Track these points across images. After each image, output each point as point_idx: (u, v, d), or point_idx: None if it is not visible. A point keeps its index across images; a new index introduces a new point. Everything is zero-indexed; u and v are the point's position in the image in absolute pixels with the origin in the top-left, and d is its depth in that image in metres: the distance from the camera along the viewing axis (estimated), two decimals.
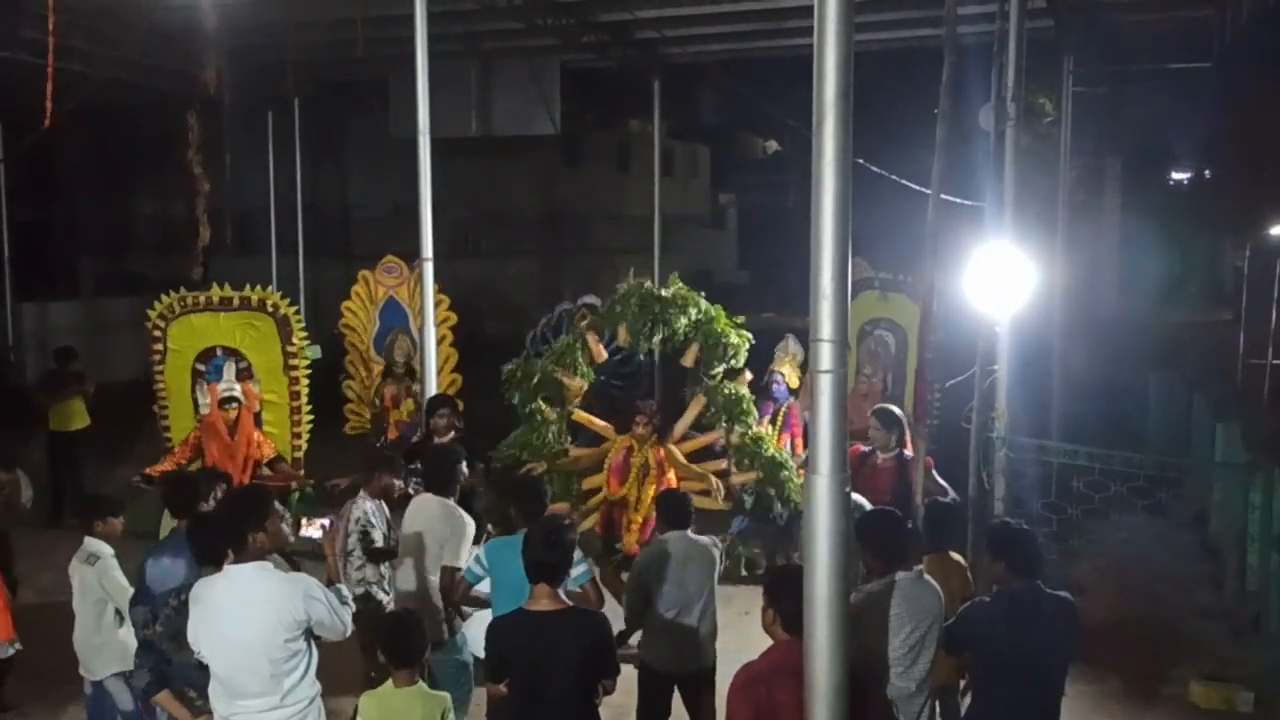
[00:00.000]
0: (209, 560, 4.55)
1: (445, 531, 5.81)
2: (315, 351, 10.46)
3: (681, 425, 8.08)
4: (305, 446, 9.04)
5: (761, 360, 8.72)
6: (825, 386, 3.49)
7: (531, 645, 4.31)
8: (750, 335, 8.16)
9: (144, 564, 5.18)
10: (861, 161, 8.82)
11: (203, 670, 4.37)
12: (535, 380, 8.04)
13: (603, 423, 8.16)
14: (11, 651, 6.27)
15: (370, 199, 22.67)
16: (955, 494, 6.83)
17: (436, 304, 8.94)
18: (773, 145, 35.16)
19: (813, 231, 3.47)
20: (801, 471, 7.64)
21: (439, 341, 9.27)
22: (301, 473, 8.81)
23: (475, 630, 5.65)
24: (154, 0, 11.26)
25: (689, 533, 5.72)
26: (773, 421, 8.85)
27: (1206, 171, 18.73)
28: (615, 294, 8.20)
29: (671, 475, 7.43)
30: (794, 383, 8.86)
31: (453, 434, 7.88)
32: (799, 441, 8.64)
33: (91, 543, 5.73)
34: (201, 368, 8.88)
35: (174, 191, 18.85)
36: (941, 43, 6.58)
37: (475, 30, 13.07)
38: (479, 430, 8.17)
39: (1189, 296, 19.27)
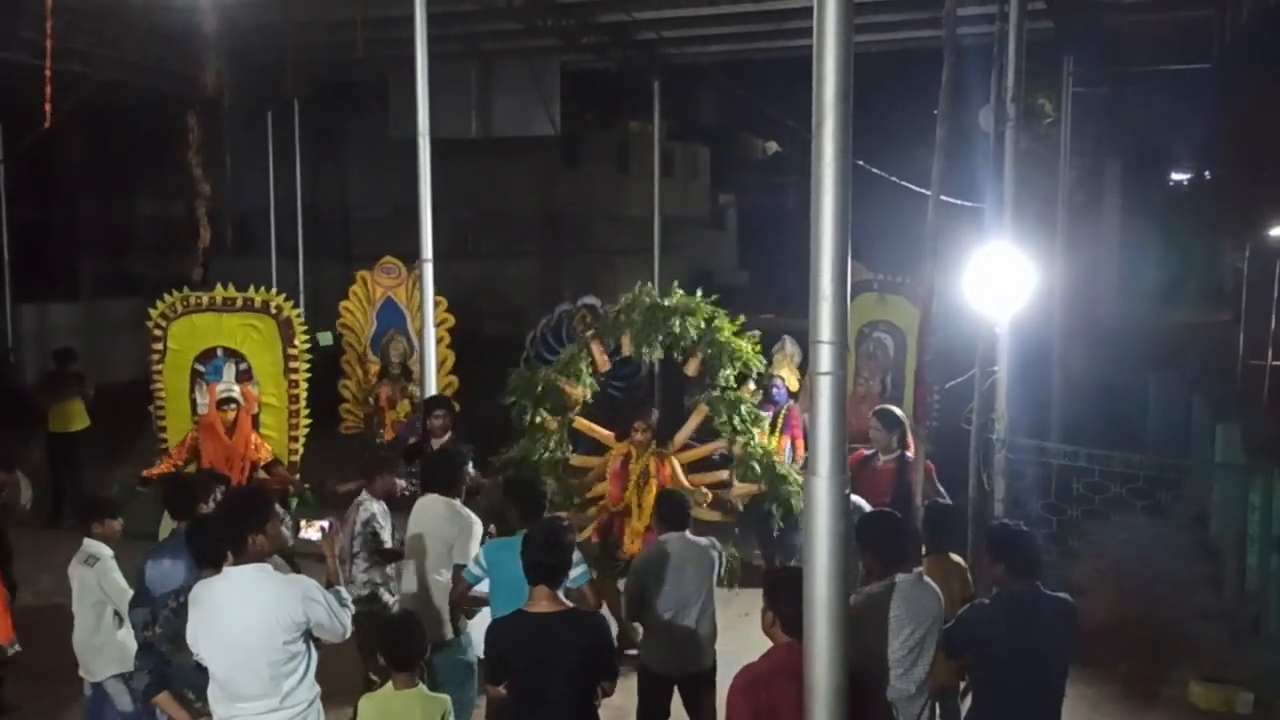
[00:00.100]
0: (208, 562, 4.55)
1: (452, 532, 5.81)
2: (327, 337, 10.48)
3: (683, 435, 8.06)
4: (302, 450, 9.02)
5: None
6: (825, 388, 3.49)
7: (531, 647, 4.31)
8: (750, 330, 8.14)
9: (143, 566, 5.19)
10: (861, 163, 8.83)
11: (202, 672, 4.37)
12: (539, 389, 8.04)
13: (604, 431, 8.15)
14: (10, 653, 6.26)
15: (370, 200, 22.66)
16: (951, 502, 6.82)
17: (435, 305, 8.93)
18: (772, 146, 35.11)
19: (812, 232, 3.47)
20: (801, 472, 7.67)
21: (436, 343, 9.26)
22: (297, 476, 8.79)
23: (480, 631, 5.65)
24: (154, 1, 11.25)
25: (687, 534, 5.72)
26: (772, 425, 8.84)
27: (1206, 172, 18.73)
28: (620, 303, 8.17)
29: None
30: (793, 385, 8.84)
31: (449, 435, 7.89)
32: (799, 444, 8.62)
33: (90, 544, 5.72)
34: (201, 368, 8.86)
35: (174, 192, 18.83)
36: (941, 44, 6.58)
37: (475, 31, 13.07)
38: (478, 431, 8.17)
39: (1189, 297, 19.28)
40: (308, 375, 9.09)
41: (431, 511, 5.93)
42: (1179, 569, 9.19)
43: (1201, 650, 7.65)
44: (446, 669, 5.76)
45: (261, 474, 8.24)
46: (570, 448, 8.18)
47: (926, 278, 6.63)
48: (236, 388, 8.43)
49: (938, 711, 4.80)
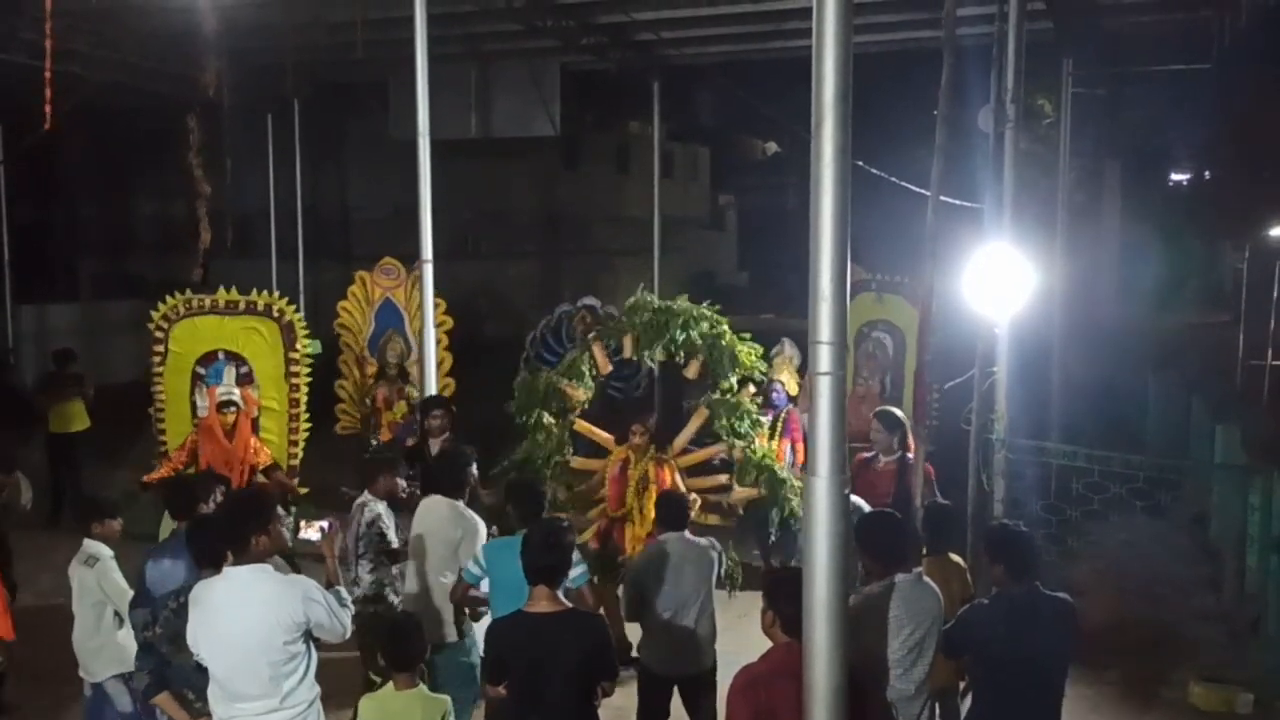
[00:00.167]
0: (208, 563, 4.56)
1: (456, 534, 5.80)
2: (316, 346, 10.45)
3: (682, 438, 8.05)
4: (301, 454, 9.01)
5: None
6: (824, 389, 3.49)
7: (531, 647, 4.31)
8: (750, 341, 8.12)
9: (144, 566, 5.19)
10: (861, 163, 8.84)
11: (202, 672, 4.37)
12: (541, 392, 8.05)
13: (604, 434, 8.14)
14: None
15: (370, 201, 22.66)
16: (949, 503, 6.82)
17: (436, 311, 8.93)
18: (772, 147, 35.13)
19: (811, 233, 3.47)
20: (801, 476, 7.65)
21: (435, 344, 9.25)
22: (296, 481, 8.79)
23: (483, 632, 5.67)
24: (154, 2, 11.26)
25: (686, 534, 5.72)
26: (771, 428, 8.83)
27: (1206, 173, 18.71)
28: (625, 308, 8.17)
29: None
30: (793, 389, 8.81)
31: (446, 435, 7.88)
32: (799, 447, 8.58)
33: (90, 544, 5.73)
34: (202, 371, 8.85)
35: (174, 193, 18.87)
36: (941, 44, 6.58)
37: (475, 32, 13.08)
38: (477, 433, 8.17)
39: (1188, 298, 19.27)
40: (308, 379, 9.09)
41: (435, 513, 5.93)
42: (1179, 570, 9.19)
43: (1201, 651, 7.65)
44: (450, 670, 5.76)
45: (260, 478, 8.23)
46: (570, 450, 8.18)
47: (926, 278, 6.64)
48: (236, 390, 8.42)
49: (937, 712, 4.81)
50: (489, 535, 5.98)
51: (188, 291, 9.09)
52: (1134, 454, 8.37)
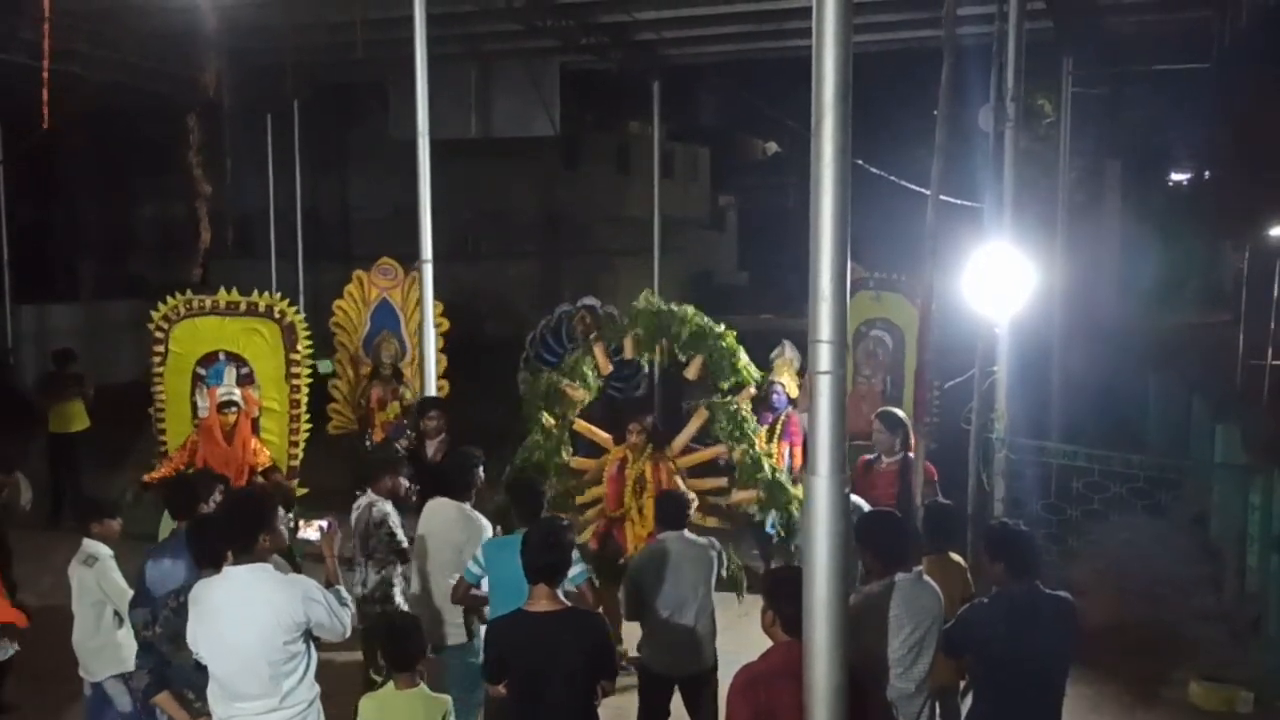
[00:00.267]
0: (209, 562, 4.56)
1: (462, 537, 5.79)
2: (327, 365, 10.46)
3: (682, 439, 8.04)
4: (301, 456, 9.01)
5: (759, 363, 8.69)
6: (824, 388, 3.49)
7: (531, 646, 4.31)
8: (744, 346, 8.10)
9: (144, 566, 5.18)
10: (860, 163, 8.84)
11: (202, 672, 4.37)
12: (543, 392, 8.05)
13: (604, 434, 8.14)
14: (10, 653, 6.27)
15: (370, 201, 22.67)
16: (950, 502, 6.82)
17: (429, 311, 8.93)
18: (772, 147, 35.15)
19: (811, 232, 3.47)
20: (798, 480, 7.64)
21: (422, 350, 9.23)
22: (295, 482, 8.78)
23: None
24: (154, 3, 11.26)
25: (685, 533, 5.72)
26: (770, 430, 8.82)
27: (1206, 173, 18.70)
28: (630, 311, 8.17)
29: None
30: (793, 391, 8.80)
31: (443, 436, 7.87)
32: (798, 450, 8.55)
33: (90, 544, 5.73)
34: (202, 371, 8.85)
35: (174, 194, 18.88)
36: (941, 44, 6.58)
37: (474, 32, 13.08)
38: (476, 435, 8.16)
39: (1188, 297, 19.27)
40: (309, 380, 9.09)
41: (441, 514, 5.92)
42: (1179, 569, 9.19)
43: (1202, 650, 7.65)
44: (459, 671, 5.76)
45: (260, 479, 8.23)
46: (570, 449, 8.18)
47: (926, 277, 6.64)
48: (237, 391, 8.41)
49: (938, 711, 4.80)
50: (495, 536, 5.97)
51: (188, 292, 9.08)
52: (1134, 453, 8.38)
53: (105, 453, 11.09)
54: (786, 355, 8.90)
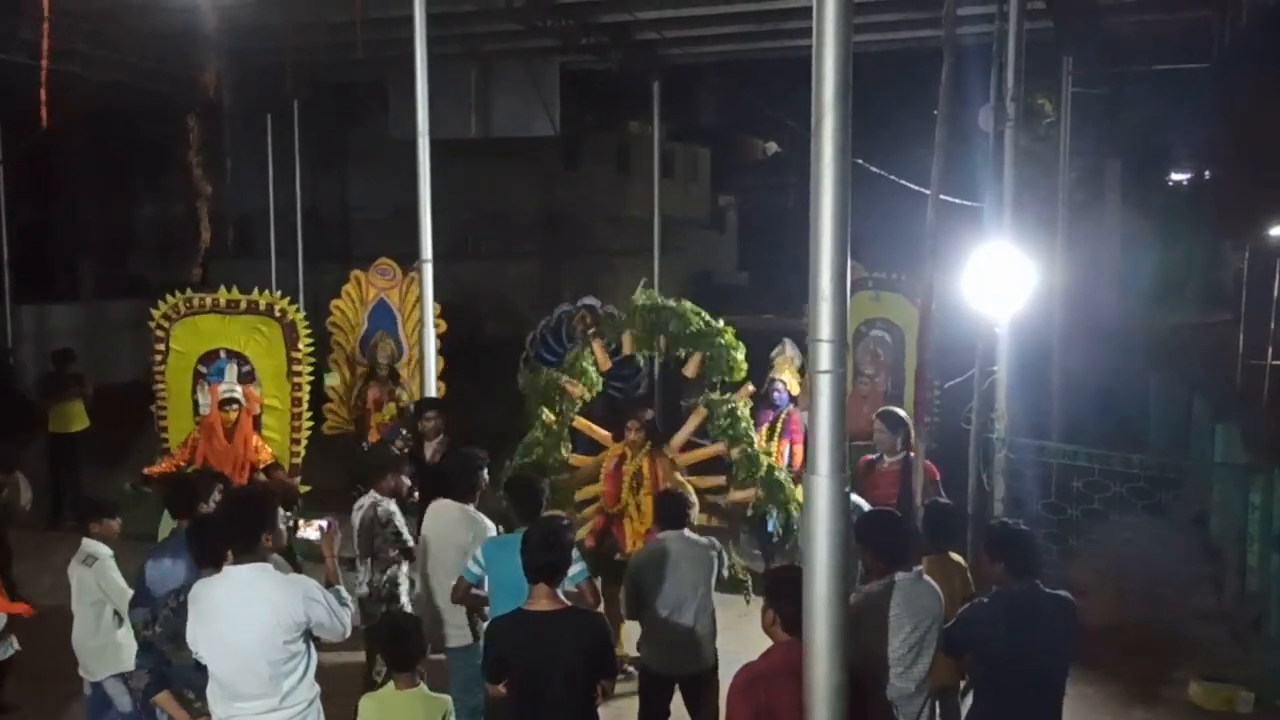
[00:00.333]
0: (209, 562, 4.56)
1: (466, 538, 5.79)
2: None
3: (680, 436, 8.03)
4: (303, 454, 9.02)
5: (761, 362, 8.70)
6: (824, 387, 3.49)
7: (531, 646, 4.31)
8: (744, 346, 8.09)
9: (144, 565, 5.18)
10: (860, 162, 8.84)
11: (202, 671, 4.37)
12: (543, 388, 8.05)
13: (603, 431, 8.14)
14: (11, 652, 6.27)
15: (370, 201, 22.67)
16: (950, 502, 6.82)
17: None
18: (772, 147, 35.16)
19: (811, 232, 3.48)
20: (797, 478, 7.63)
21: (421, 351, 9.22)
22: (298, 480, 8.79)
23: None
24: (154, 2, 11.27)
25: (685, 532, 5.72)
26: (771, 428, 8.82)
27: (1206, 173, 18.71)
28: (628, 305, 8.18)
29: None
30: (794, 389, 8.81)
31: (441, 437, 7.87)
32: (798, 449, 8.55)
33: (89, 544, 5.73)
34: (203, 370, 8.86)
35: (174, 194, 18.88)
36: (941, 44, 6.58)
37: (474, 32, 13.08)
38: (477, 434, 8.16)
39: (1189, 297, 19.27)
40: (310, 378, 9.09)
41: (445, 516, 5.92)
42: (1179, 569, 9.19)
43: (1202, 650, 7.65)
44: (462, 673, 5.75)
45: (261, 477, 8.23)
46: (570, 447, 8.18)
47: (926, 277, 6.63)
48: (239, 388, 8.42)
49: (938, 710, 4.80)
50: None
51: (188, 291, 9.08)
52: (1134, 453, 8.38)
53: (105, 453, 11.09)
54: (788, 353, 8.90)
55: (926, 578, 4.63)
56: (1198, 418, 11.03)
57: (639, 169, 22.05)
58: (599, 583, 6.02)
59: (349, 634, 4.51)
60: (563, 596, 4.43)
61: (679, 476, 7.41)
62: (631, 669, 6.27)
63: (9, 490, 7.43)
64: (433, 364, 8.89)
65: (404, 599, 6.53)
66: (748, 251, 34.58)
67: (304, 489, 8.80)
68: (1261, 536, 7.56)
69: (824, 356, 3.48)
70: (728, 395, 7.97)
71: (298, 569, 5.06)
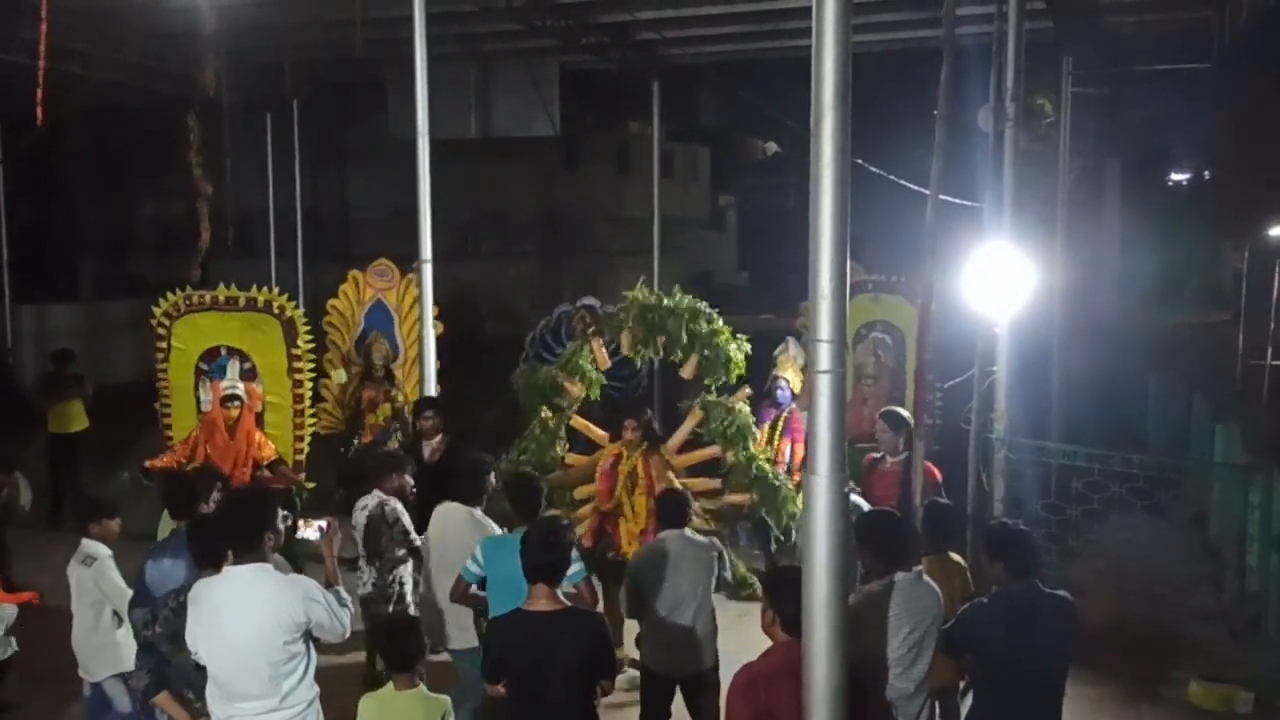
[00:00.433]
0: (209, 562, 4.55)
1: (473, 540, 5.78)
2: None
3: (677, 438, 8.02)
4: (307, 450, 9.03)
5: (761, 362, 8.70)
6: (824, 387, 3.49)
7: (530, 646, 4.30)
8: (748, 343, 8.09)
9: (143, 565, 5.18)
10: (860, 162, 8.84)
11: (201, 672, 4.36)
12: (541, 386, 8.04)
13: (600, 431, 8.13)
14: (11, 652, 6.27)
15: (369, 201, 22.69)
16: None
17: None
18: (772, 147, 35.18)
19: (811, 232, 3.48)
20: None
21: (419, 351, 9.21)
22: (302, 476, 8.79)
23: None
24: (153, 2, 11.26)
25: (686, 531, 5.71)
26: (773, 427, 8.82)
27: (1206, 172, 18.72)
28: (623, 300, 8.17)
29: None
30: (798, 387, 8.80)
31: (440, 436, 7.87)
32: (799, 448, 8.55)
33: (88, 544, 5.73)
34: (205, 367, 8.88)
35: (173, 193, 18.89)
36: (940, 43, 6.58)
37: (474, 32, 13.08)
38: (476, 434, 8.17)
39: (1188, 297, 19.28)
40: (311, 375, 9.10)
41: (452, 518, 5.91)
42: (1179, 569, 9.18)
43: (1201, 650, 7.65)
44: (468, 674, 5.74)
45: (265, 473, 8.25)
46: (567, 446, 8.17)
47: (925, 277, 6.63)
48: (240, 385, 8.44)
49: (937, 711, 4.80)
50: None
51: (188, 288, 9.09)
52: (1134, 453, 8.38)
53: (105, 453, 11.08)
54: (790, 352, 8.89)
55: (926, 578, 4.62)
56: (1197, 418, 11.02)
57: (639, 169, 22.05)
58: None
59: (348, 635, 4.51)
60: (562, 597, 4.43)
61: (671, 477, 7.40)
62: (633, 670, 6.27)
63: (9, 490, 7.43)
64: (432, 364, 8.88)
65: (409, 600, 6.54)
66: (747, 251, 34.63)
67: (309, 485, 8.80)
68: (1261, 536, 7.56)
69: (824, 356, 3.48)
70: (725, 398, 7.97)
71: (299, 569, 5.06)
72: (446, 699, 4.74)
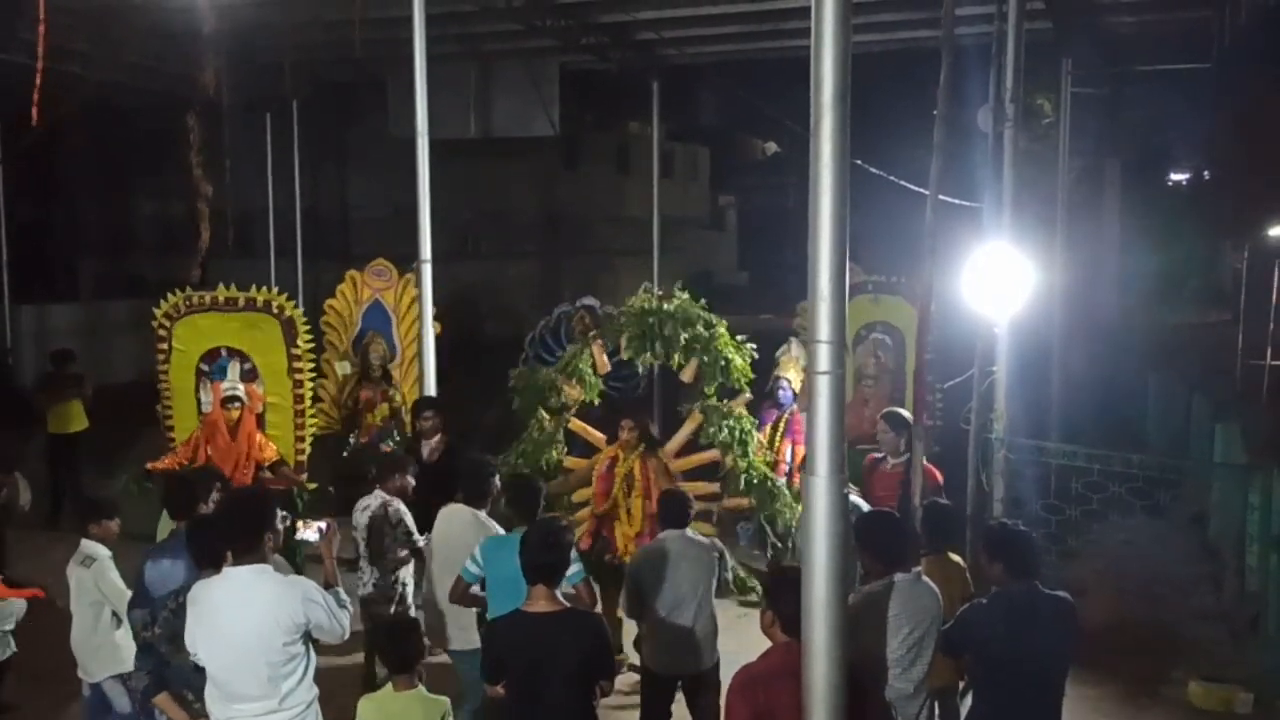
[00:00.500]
0: (208, 562, 4.55)
1: (477, 543, 5.79)
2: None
3: (675, 442, 8.01)
4: (309, 450, 9.03)
5: (762, 363, 8.69)
6: (823, 388, 3.49)
7: (529, 646, 4.30)
8: (753, 347, 8.06)
9: (143, 566, 5.18)
10: (860, 162, 8.83)
11: (201, 673, 4.36)
12: (540, 388, 8.03)
13: (598, 433, 8.11)
14: (10, 652, 6.27)
15: (369, 201, 22.68)
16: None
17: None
18: (772, 147, 35.19)
19: (810, 233, 3.47)
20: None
21: (417, 351, 9.21)
22: (304, 476, 8.79)
23: None
24: (153, 2, 11.26)
25: (687, 532, 5.71)
26: (774, 428, 8.81)
27: (1205, 172, 18.72)
28: (624, 304, 8.16)
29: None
30: (799, 387, 8.80)
31: (439, 437, 7.87)
32: (799, 449, 8.54)
33: (88, 545, 5.73)
34: (205, 368, 8.87)
35: (173, 193, 18.88)
36: (940, 44, 6.58)
37: (474, 32, 13.08)
38: (476, 434, 8.18)
39: (1188, 297, 19.29)
40: (312, 375, 9.10)
41: (458, 519, 5.91)
42: (1178, 569, 9.18)
43: (1201, 650, 7.65)
44: (469, 675, 5.74)
45: (266, 474, 8.24)
46: (565, 448, 8.16)
47: (925, 277, 6.63)
48: (241, 386, 8.43)
49: (937, 711, 4.80)
50: None
51: (187, 289, 9.09)
52: (1134, 453, 8.37)
53: (104, 453, 11.09)
54: (793, 352, 8.88)
55: (925, 579, 4.63)
56: (1197, 418, 11.02)
57: (638, 169, 22.05)
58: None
59: (347, 636, 4.51)
60: (561, 597, 4.43)
61: (665, 479, 7.38)
62: (633, 674, 6.27)
63: (8, 490, 7.43)
64: (432, 364, 8.88)
65: (410, 601, 6.55)
66: (747, 251, 34.63)
67: (311, 485, 8.80)
68: (1260, 536, 7.56)
69: (822, 357, 3.48)
70: (724, 402, 7.96)
71: (299, 570, 5.06)
72: (445, 700, 4.74)
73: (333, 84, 16.60)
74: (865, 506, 6.00)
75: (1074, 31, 12.23)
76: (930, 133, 6.32)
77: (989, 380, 7.62)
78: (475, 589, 5.45)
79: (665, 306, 7.88)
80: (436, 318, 9.34)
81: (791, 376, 8.77)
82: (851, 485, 4.43)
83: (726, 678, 4.29)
